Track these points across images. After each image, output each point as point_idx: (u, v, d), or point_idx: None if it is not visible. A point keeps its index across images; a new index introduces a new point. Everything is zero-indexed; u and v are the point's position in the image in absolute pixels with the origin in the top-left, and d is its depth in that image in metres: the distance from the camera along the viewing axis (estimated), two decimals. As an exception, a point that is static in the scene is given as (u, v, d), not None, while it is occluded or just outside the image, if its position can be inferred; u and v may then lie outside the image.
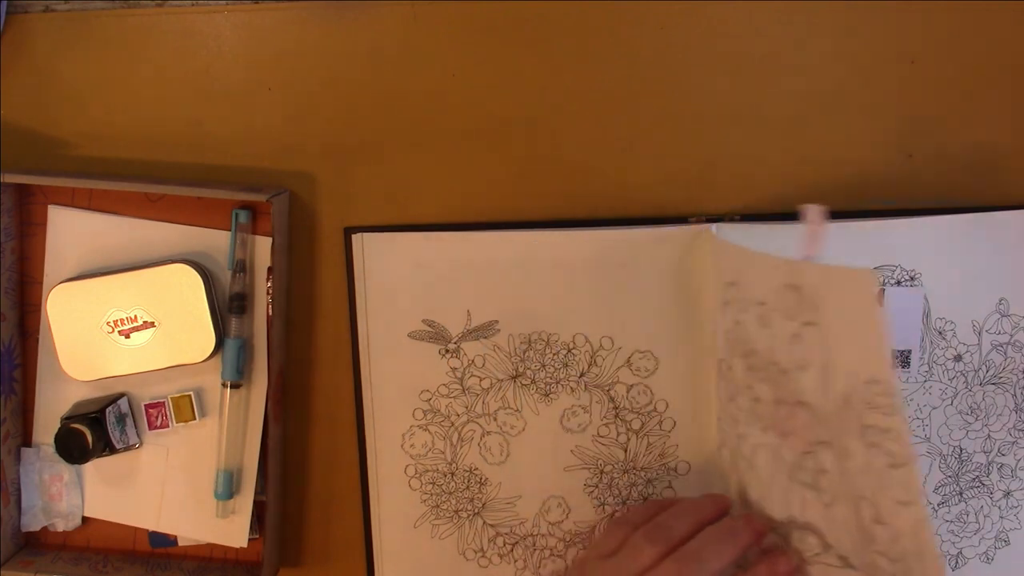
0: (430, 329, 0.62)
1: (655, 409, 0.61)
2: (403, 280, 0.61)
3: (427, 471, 0.63)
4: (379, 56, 0.61)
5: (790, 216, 0.59)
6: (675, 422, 0.61)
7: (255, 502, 0.64)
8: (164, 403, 0.64)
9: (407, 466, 0.63)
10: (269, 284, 0.62)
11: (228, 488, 0.63)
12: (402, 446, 0.63)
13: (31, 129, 0.64)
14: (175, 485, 0.64)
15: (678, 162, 0.60)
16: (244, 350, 0.62)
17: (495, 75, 0.60)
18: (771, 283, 0.49)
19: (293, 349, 0.64)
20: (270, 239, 0.60)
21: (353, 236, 0.62)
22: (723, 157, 0.60)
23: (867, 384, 0.43)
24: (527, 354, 0.61)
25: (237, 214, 0.61)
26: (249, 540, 0.64)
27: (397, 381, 0.62)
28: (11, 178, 0.60)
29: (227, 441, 0.62)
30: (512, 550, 0.63)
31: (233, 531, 0.64)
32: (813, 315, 0.46)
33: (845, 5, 0.58)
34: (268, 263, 0.62)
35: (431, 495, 0.63)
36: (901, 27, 0.58)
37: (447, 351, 0.62)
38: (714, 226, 0.58)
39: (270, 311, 0.62)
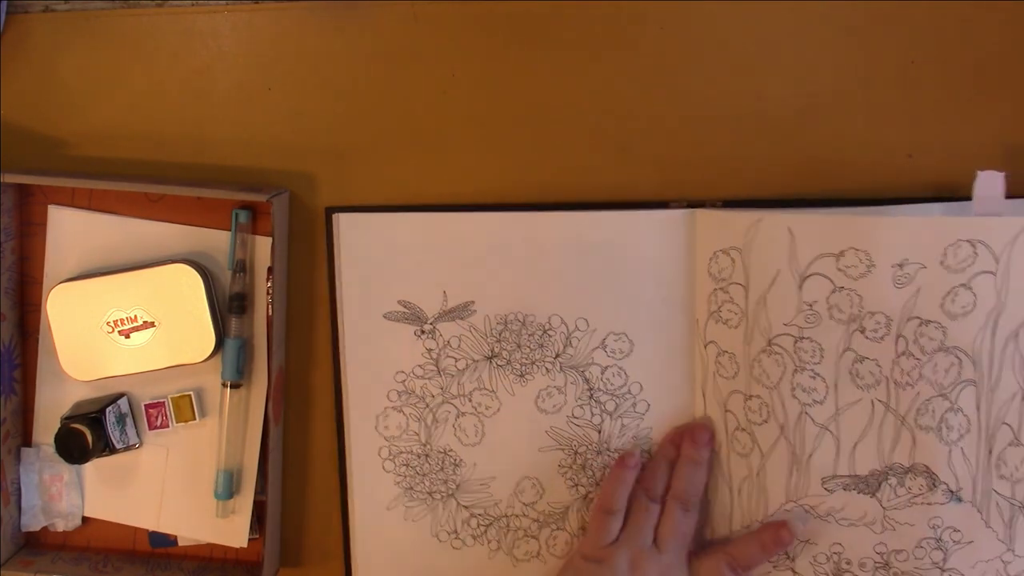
0: (405, 310, 0.61)
1: (629, 391, 0.61)
2: (379, 260, 0.61)
3: (401, 453, 0.63)
4: (379, 56, 0.61)
5: (776, 203, 0.59)
6: (649, 405, 0.61)
7: (255, 502, 0.64)
8: (164, 403, 0.64)
9: (381, 448, 0.63)
10: (269, 284, 0.62)
11: (228, 488, 0.63)
12: (376, 428, 0.63)
13: (31, 129, 0.64)
14: (175, 485, 0.64)
15: (678, 162, 0.60)
16: (244, 350, 0.62)
17: (495, 75, 0.60)
18: (931, 242, 0.53)
19: (293, 349, 0.64)
20: (270, 239, 0.60)
21: (333, 216, 0.62)
22: (723, 157, 0.60)
23: None
24: (503, 335, 0.61)
25: (237, 214, 0.61)
26: (249, 540, 0.64)
27: (372, 363, 0.62)
28: (11, 178, 0.60)
29: (227, 441, 0.62)
30: (486, 531, 0.63)
31: (233, 531, 0.64)
32: (991, 265, 0.53)
33: (845, 5, 0.58)
34: (268, 263, 0.62)
35: (405, 477, 0.63)
36: (901, 27, 0.58)
37: (423, 332, 0.62)
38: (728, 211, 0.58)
39: (270, 311, 0.62)
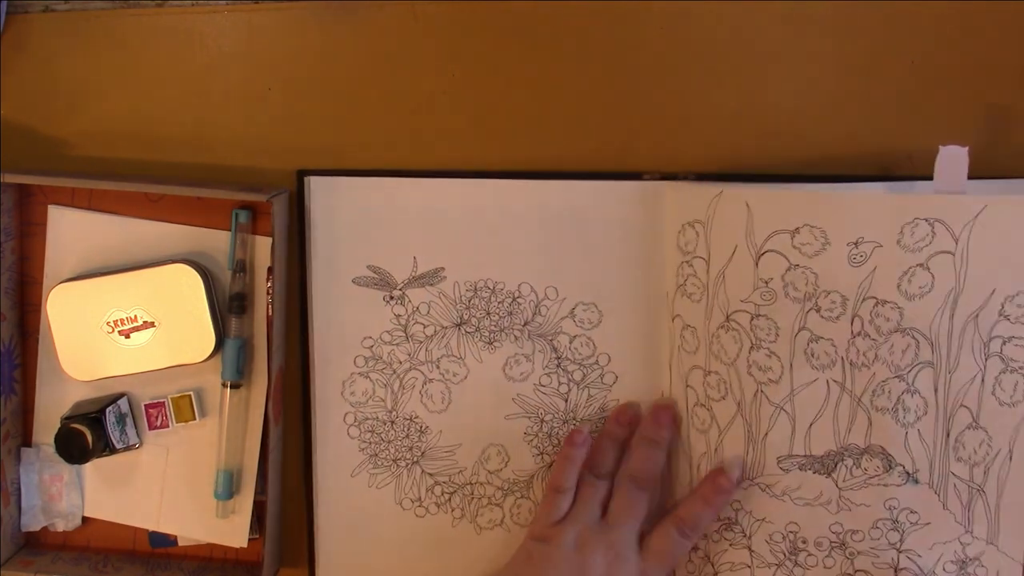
0: (375, 275, 0.61)
1: (597, 362, 0.61)
2: (350, 224, 0.61)
3: (367, 419, 0.63)
4: (379, 56, 0.61)
5: (749, 177, 0.59)
6: (617, 376, 0.61)
7: (255, 502, 0.64)
8: (164, 403, 0.64)
9: (346, 414, 0.63)
10: (269, 284, 0.62)
11: (228, 488, 0.63)
12: (342, 393, 0.63)
13: (31, 129, 0.64)
14: (175, 485, 0.64)
15: (677, 162, 0.60)
16: (244, 350, 0.62)
17: (495, 75, 0.60)
18: (887, 220, 0.52)
19: (293, 349, 0.64)
20: (270, 239, 0.60)
21: (305, 179, 0.62)
22: (723, 157, 0.60)
23: (1011, 298, 0.51)
24: (472, 302, 0.61)
25: (237, 214, 0.61)
26: (249, 540, 0.64)
27: (340, 328, 0.62)
28: (11, 178, 0.60)
29: (227, 441, 0.62)
30: (450, 499, 0.63)
31: (233, 531, 0.64)
32: (949, 245, 0.51)
33: (845, 5, 0.58)
34: (268, 263, 0.62)
35: (370, 443, 0.63)
36: (901, 27, 0.58)
37: (392, 298, 0.62)
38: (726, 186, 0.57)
39: (270, 311, 0.62)
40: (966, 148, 0.52)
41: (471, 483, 0.63)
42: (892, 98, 0.58)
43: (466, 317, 0.61)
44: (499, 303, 0.61)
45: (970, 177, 0.52)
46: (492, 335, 0.61)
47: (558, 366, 0.61)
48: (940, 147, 0.52)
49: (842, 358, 0.54)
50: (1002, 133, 0.58)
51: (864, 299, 0.53)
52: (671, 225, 0.59)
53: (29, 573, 0.63)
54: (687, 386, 0.59)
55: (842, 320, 0.53)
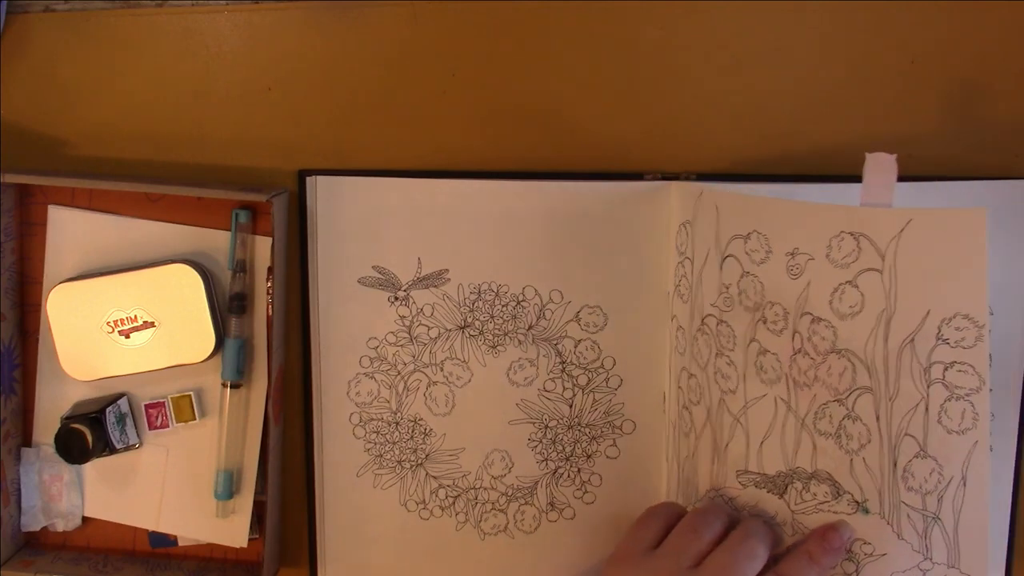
0: (380, 276, 0.61)
1: (602, 366, 0.61)
2: (355, 225, 0.61)
3: (371, 420, 0.63)
4: (379, 56, 0.61)
5: (751, 177, 0.59)
6: (622, 380, 0.61)
7: (255, 502, 0.64)
8: (164, 403, 0.64)
9: (351, 414, 0.63)
10: (269, 284, 0.62)
11: (228, 488, 0.63)
12: (347, 393, 0.63)
13: (31, 129, 0.64)
14: (175, 485, 0.64)
15: (678, 162, 0.60)
16: (244, 350, 0.62)
17: (495, 75, 0.60)
18: (817, 232, 0.49)
19: (294, 349, 0.64)
20: (270, 239, 0.60)
21: (308, 179, 0.62)
22: (723, 159, 0.60)
23: (948, 321, 0.47)
24: (476, 304, 0.61)
25: (237, 214, 0.61)
26: (249, 540, 0.64)
27: (345, 327, 0.62)
28: (11, 178, 0.60)
29: (227, 441, 0.62)
30: (454, 503, 0.63)
31: (233, 531, 0.64)
32: (876, 262, 0.48)
33: (845, 5, 0.58)
34: (268, 263, 0.62)
35: (375, 444, 0.63)
36: (901, 27, 0.58)
37: (396, 299, 0.62)
38: (701, 184, 0.57)
39: (270, 311, 0.62)
40: (893, 156, 0.48)
41: (475, 488, 0.63)
42: (891, 98, 0.58)
43: (470, 320, 0.61)
44: (503, 306, 0.61)
45: (971, 177, 0.51)
46: (496, 339, 0.61)
47: (563, 371, 0.61)
48: (867, 154, 0.48)
49: (786, 375, 0.52)
50: (1002, 132, 0.58)
51: (802, 314, 0.50)
52: (673, 225, 0.59)
53: (29, 573, 0.63)
54: (679, 387, 0.59)
55: (784, 335, 0.51)
